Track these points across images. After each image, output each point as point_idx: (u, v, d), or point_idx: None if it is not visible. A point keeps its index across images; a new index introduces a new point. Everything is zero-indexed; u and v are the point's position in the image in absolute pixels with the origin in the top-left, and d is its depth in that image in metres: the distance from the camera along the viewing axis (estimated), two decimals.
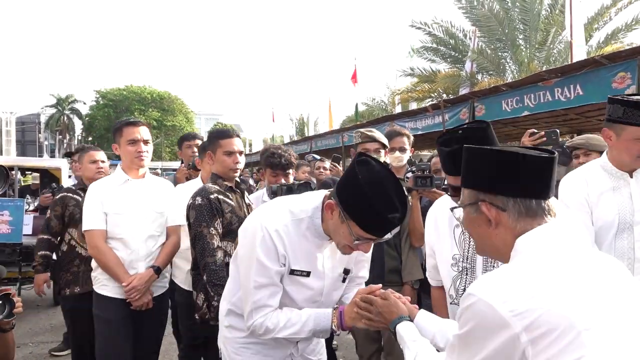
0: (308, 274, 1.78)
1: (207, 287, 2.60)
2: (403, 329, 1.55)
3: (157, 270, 2.96)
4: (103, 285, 2.92)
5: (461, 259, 1.90)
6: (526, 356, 0.97)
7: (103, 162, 3.73)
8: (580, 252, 1.11)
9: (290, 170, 3.17)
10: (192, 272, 2.80)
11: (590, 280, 1.04)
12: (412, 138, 3.69)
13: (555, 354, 0.95)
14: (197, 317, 2.71)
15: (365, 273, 2.03)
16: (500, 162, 1.15)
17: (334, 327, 1.73)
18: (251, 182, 8.82)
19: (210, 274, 2.57)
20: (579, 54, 9.33)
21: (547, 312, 0.96)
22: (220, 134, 2.91)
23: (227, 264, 2.67)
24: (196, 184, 3.36)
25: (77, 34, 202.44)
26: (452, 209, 1.34)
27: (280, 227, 1.70)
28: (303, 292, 1.81)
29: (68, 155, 6.27)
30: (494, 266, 1.83)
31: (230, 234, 2.68)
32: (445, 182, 2.79)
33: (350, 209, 1.57)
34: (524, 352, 0.97)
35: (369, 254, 1.95)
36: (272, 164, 3.12)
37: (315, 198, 1.77)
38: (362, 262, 1.97)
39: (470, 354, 1.06)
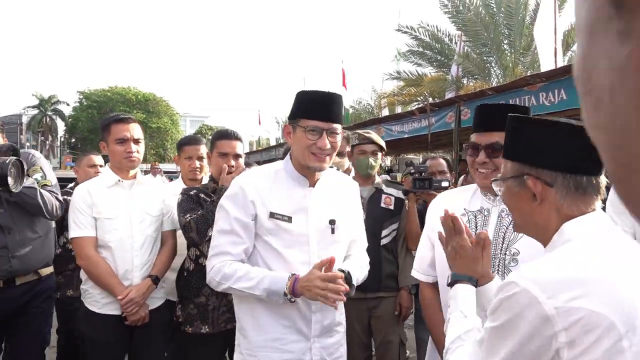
0: (290, 219, 1.80)
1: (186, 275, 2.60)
2: (462, 293, 1.32)
3: (155, 280, 2.65)
4: (94, 301, 2.60)
5: None
6: (560, 357, 0.93)
7: (102, 166, 3.61)
8: (633, 247, 1.05)
9: None
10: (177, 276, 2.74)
11: None
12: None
13: (593, 359, 0.90)
14: (173, 319, 2.68)
15: (358, 235, 2.04)
16: (551, 134, 1.07)
17: (286, 290, 1.71)
18: None
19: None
20: (546, 61, 9.37)
21: (592, 313, 0.91)
22: (218, 135, 2.78)
23: (204, 267, 2.62)
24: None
25: (60, 33, 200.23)
26: (492, 181, 1.26)
27: (253, 178, 1.84)
28: (287, 241, 1.80)
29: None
30: (504, 273, 1.63)
31: None
32: (443, 184, 2.76)
33: (294, 110, 1.83)
34: (558, 352, 0.93)
35: (358, 214, 2.00)
36: None
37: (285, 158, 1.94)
38: (351, 224, 1.98)
39: (499, 345, 0.99)
